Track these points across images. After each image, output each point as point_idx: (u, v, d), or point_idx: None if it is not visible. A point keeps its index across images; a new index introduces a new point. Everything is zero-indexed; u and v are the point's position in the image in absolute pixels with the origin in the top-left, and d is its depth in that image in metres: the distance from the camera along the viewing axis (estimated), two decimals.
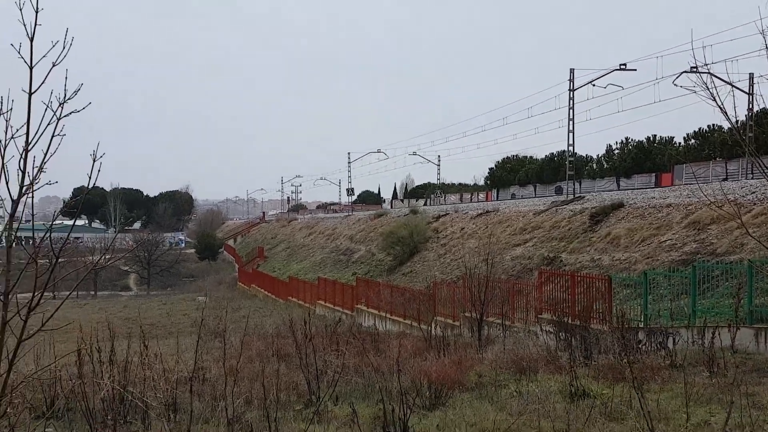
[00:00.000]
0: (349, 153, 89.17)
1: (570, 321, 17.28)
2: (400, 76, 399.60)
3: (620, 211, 31.05)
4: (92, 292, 67.36)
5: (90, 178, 3.43)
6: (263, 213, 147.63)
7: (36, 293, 3.46)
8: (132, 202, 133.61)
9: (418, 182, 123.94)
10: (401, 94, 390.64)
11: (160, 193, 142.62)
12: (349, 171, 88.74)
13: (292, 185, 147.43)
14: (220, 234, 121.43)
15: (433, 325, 20.81)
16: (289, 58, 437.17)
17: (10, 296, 3.47)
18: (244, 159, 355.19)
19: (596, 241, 29.37)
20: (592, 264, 27.17)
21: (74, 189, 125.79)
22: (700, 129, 56.73)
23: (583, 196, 40.32)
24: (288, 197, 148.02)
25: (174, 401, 8.84)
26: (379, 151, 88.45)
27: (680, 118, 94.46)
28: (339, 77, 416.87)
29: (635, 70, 40.90)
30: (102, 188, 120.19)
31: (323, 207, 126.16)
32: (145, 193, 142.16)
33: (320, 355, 12.52)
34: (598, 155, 70.47)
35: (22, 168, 3.53)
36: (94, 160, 3.76)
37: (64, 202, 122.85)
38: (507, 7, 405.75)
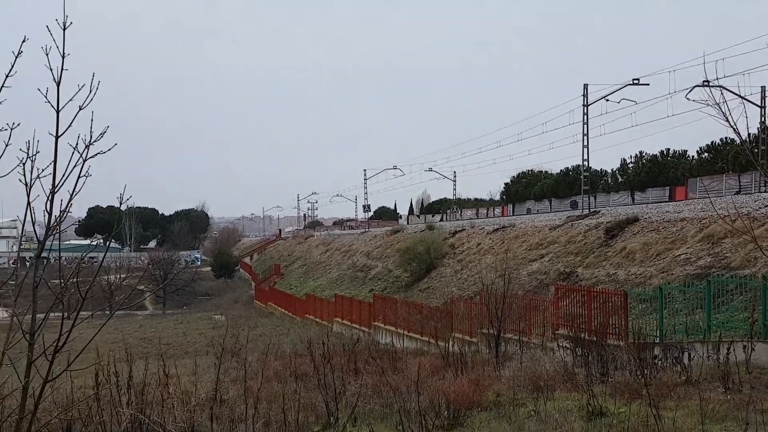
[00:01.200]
0: (365, 170, 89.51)
1: (586, 336, 17.26)
2: (416, 92, 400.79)
3: (635, 225, 30.98)
4: (107, 312, 67.62)
5: (116, 223, 3.50)
6: (279, 230, 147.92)
7: (60, 334, 3.56)
8: (147, 221, 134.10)
9: (434, 198, 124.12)
10: (417, 111, 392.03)
11: (176, 212, 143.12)
12: (366, 187, 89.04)
13: (308, 202, 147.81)
14: (237, 252, 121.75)
15: (450, 342, 20.80)
16: (304, 75, 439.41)
17: (36, 335, 3.58)
18: (260, 176, 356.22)
19: (612, 255, 29.30)
20: (608, 279, 27.09)
21: (89, 209, 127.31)
22: (712, 142, 56.79)
23: (599, 211, 40.23)
24: (304, 214, 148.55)
25: (192, 425, 8.91)
26: (395, 168, 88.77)
27: (693, 131, 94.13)
28: (355, 94, 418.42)
29: (648, 84, 41.01)
30: (117, 208, 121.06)
31: (339, 223, 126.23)
32: (160, 212, 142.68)
33: (338, 375, 12.59)
34: (612, 169, 70.56)
35: (48, 210, 3.64)
36: (120, 202, 3.87)
37: (79, 222, 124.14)
38: (519, 22, 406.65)
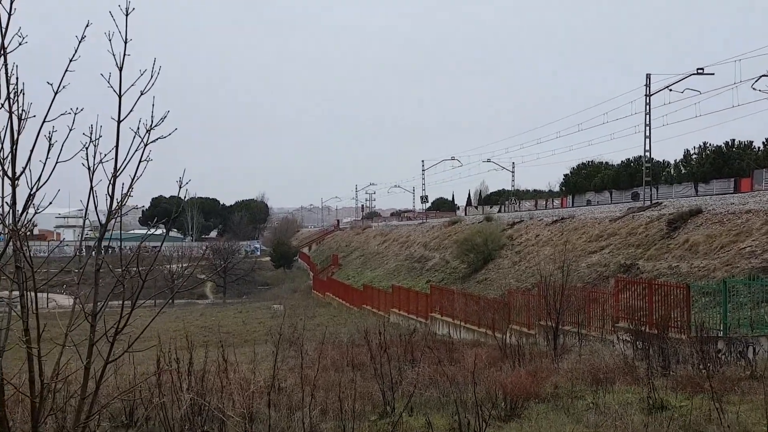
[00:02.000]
0: (423, 161, 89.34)
1: (647, 330, 16.92)
2: (477, 79, 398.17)
3: (698, 217, 30.17)
4: (170, 301, 69.04)
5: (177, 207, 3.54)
6: (338, 221, 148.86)
7: (121, 316, 3.62)
8: (209, 211, 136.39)
9: (492, 189, 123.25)
10: (477, 100, 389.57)
11: (236, 202, 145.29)
12: (423, 178, 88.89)
13: (366, 193, 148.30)
14: (295, 242, 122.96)
15: (507, 334, 20.63)
16: (364, 65, 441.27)
17: (97, 317, 3.64)
18: (319, 167, 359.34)
19: (674, 248, 28.60)
20: (670, 271, 26.47)
21: (152, 199, 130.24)
22: None
23: (661, 202, 39.31)
24: (362, 205, 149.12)
25: (251, 412, 9.00)
26: (453, 159, 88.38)
27: (760, 122, 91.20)
28: (414, 84, 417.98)
29: (713, 74, 39.91)
30: (179, 198, 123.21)
31: (397, 214, 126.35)
32: (221, 202, 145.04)
33: (395, 365, 12.59)
34: (675, 160, 68.88)
35: (110, 194, 3.70)
36: (180, 186, 3.91)
37: (143, 212, 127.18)
38: (581, 12, 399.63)
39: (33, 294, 3.56)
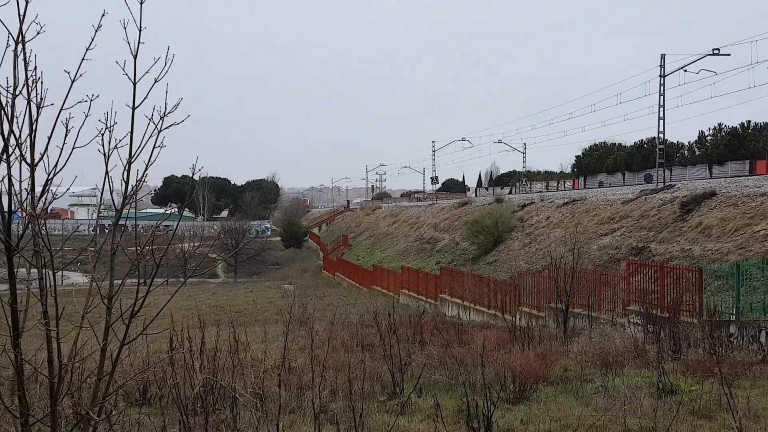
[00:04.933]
0: (433, 141, 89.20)
1: (658, 313, 16.93)
2: (487, 61, 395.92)
3: (712, 200, 30.01)
4: (181, 278, 69.39)
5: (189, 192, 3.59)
6: (348, 201, 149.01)
7: (136, 299, 3.69)
8: (220, 190, 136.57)
9: (503, 170, 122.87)
10: (487, 81, 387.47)
11: (247, 182, 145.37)
12: (434, 159, 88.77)
13: (376, 173, 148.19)
14: (305, 222, 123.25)
15: (517, 316, 20.70)
16: (373, 47, 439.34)
17: (113, 300, 3.71)
18: (329, 147, 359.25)
19: (687, 230, 28.51)
20: (683, 254, 26.41)
21: (164, 178, 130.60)
22: None
23: (674, 184, 39.12)
24: (372, 185, 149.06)
25: (262, 390, 9.12)
26: (463, 140, 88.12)
27: None
28: (424, 65, 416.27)
29: (729, 55, 39.65)
30: (191, 177, 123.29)
31: (407, 195, 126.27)
32: (232, 182, 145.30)
33: (404, 346, 12.66)
34: (689, 142, 68.31)
35: (125, 180, 3.77)
36: (193, 173, 3.97)
37: (155, 191, 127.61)
38: None
39: (51, 276, 3.64)
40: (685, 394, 9.32)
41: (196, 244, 71.74)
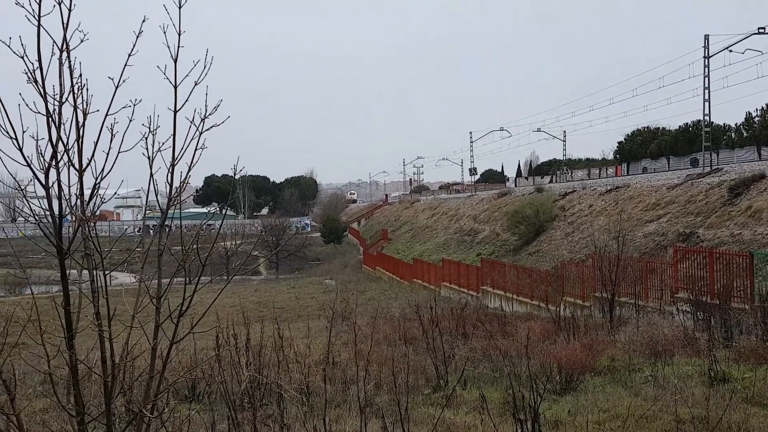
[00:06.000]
0: (471, 132, 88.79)
1: (708, 300, 16.61)
2: (524, 50, 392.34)
3: (762, 182, 29.28)
4: (225, 277, 70.10)
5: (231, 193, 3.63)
6: (386, 195, 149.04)
7: (184, 299, 3.75)
8: (259, 188, 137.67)
9: (543, 159, 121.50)
10: (524, 69, 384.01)
11: (286, 179, 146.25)
12: (471, 150, 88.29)
13: (414, 166, 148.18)
14: (344, 217, 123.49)
15: (561, 306, 20.54)
16: (407, 40, 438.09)
17: (162, 299, 3.78)
18: (367, 142, 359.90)
19: (736, 215, 27.90)
20: (732, 239, 25.86)
21: (205, 177, 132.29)
22: None
23: (721, 168, 38.29)
24: (410, 179, 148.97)
25: (307, 385, 9.21)
26: (501, 129, 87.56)
27: None
28: (461, 56, 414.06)
29: None
30: (232, 177, 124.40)
31: (446, 187, 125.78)
32: (271, 180, 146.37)
33: (447, 339, 12.64)
34: (736, 124, 66.48)
35: (169, 182, 3.83)
36: (234, 173, 4.02)
37: (197, 191, 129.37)
38: None
39: (102, 278, 3.72)
40: (737, 382, 9.15)
41: (238, 242, 72.51)
